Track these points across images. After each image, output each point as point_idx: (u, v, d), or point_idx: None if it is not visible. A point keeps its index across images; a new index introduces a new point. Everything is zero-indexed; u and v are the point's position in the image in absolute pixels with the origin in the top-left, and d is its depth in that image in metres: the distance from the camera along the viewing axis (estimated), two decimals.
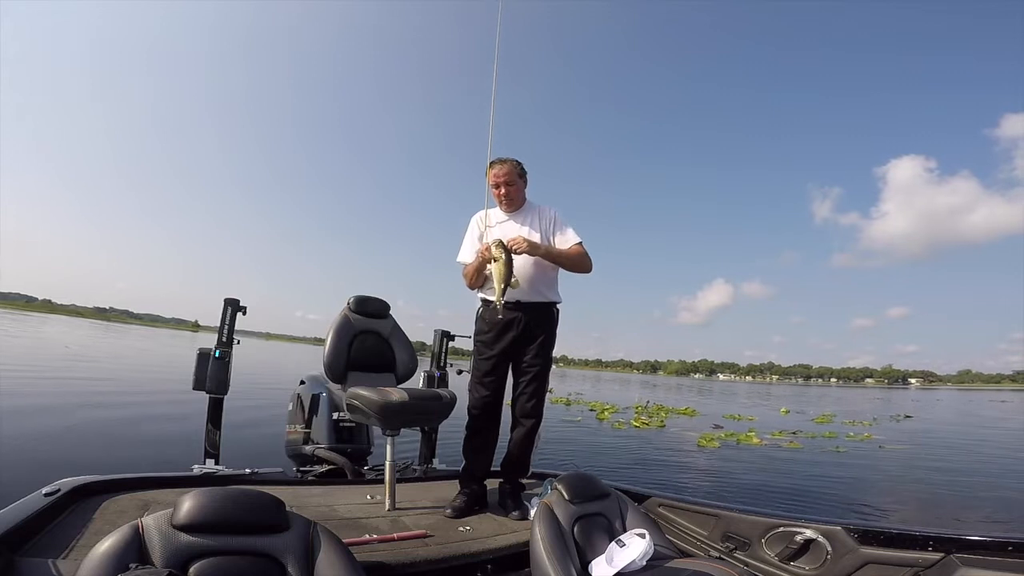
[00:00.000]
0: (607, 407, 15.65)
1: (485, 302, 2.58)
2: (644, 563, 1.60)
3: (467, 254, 2.58)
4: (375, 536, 1.92)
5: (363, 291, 2.87)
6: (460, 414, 2.58)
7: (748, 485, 6.47)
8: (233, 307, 2.80)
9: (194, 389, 2.68)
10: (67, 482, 1.88)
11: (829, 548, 1.85)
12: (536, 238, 2.48)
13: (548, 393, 2.66)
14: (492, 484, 2.63)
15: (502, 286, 2.27)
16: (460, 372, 2.74)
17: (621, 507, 1.93)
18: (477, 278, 2.53)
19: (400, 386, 2.65)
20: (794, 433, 12.03)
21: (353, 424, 3.15)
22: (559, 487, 1.87)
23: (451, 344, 3.56)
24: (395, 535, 1.95)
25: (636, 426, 11.88)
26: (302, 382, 3.43)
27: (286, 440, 3.37)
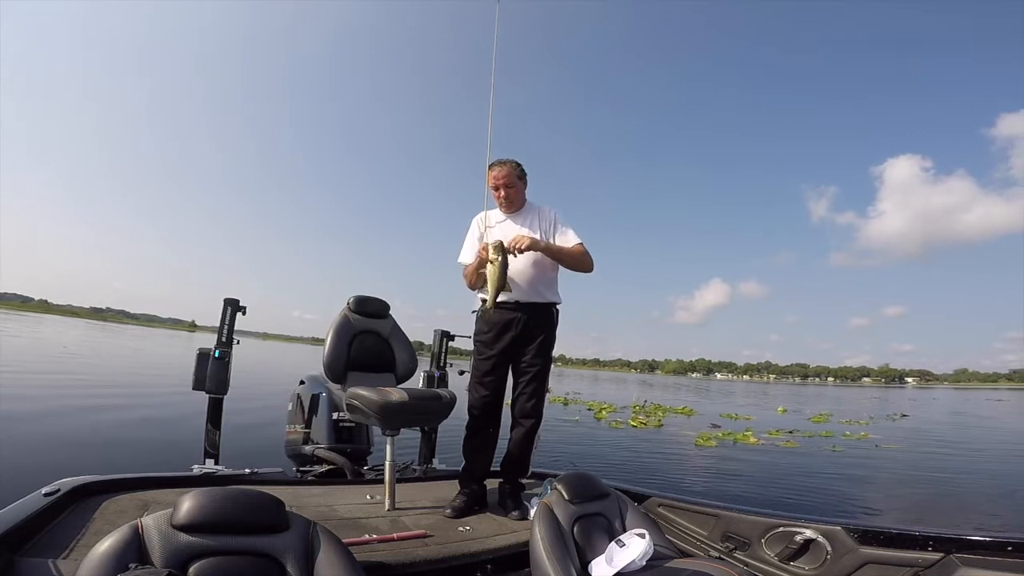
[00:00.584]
0: (605, 406, 15.67)
1: (485, 302, 2.58)
2: (644, 563, 1.60)
3: (468, 255, 2.59)
4: (375, 536, 1.92)
5: (360, 291, 2.87)
6: (460, 414, 2.58)
7: (745, 484, 6.49)
8: (233, 307, 2.79)
9: (194, 389, 2.67)
10: (67, 482, 1.88)
11: (829, 548, 1.85)
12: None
13: (546, 393, 2.66)
14: (492, 484, 2.63)
15: (495, 289, 2.29)
16: (462, 372, 2.74)
17: (621, 507, 1.93)
18: (477, 279, 2.53)
19: (400, 386, 2.65)
20: (791, 432, 12.07)
21: (353, 424, 3.14)
22: (559, 487, 1.87)
23: (450, 344, 3.56)
24: (395, 535, 1.95)
25: (634, 425, 11.90)
26: (302, 382, 3.43)
27: (286, 440, 3.37)
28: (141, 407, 7.97)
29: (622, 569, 1.58)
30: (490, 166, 2.57)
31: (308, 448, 3.13)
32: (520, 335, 2.49)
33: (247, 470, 2.61)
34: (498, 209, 2.62)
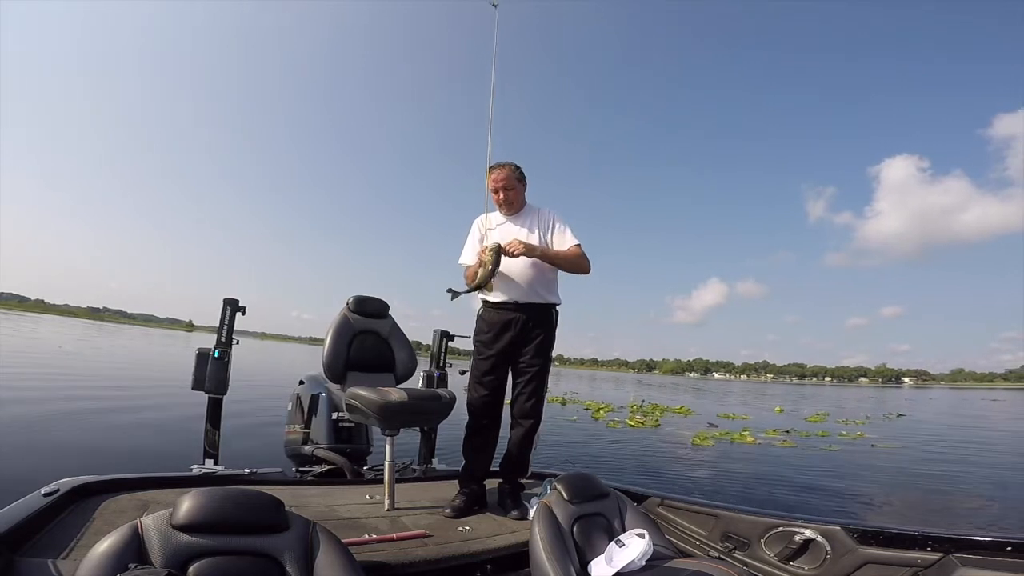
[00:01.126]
0: (602, 406, 15.69)
1: (485, 303, 2.60)
2: (643, 563, 1.60)
3: (468, 256, 2.61)
4: (374, 536, 1.91)
5: (357, 291, 2.88)
6: (459, 414, 2.58)
7: (743, 484, 6.51)
8: (232, 307, 2.79)
9: (193, 389, 2.67)
10: (66, 482, 1.87)
11: (828, 548, 1.85)
12: (534, 240, 2.51)
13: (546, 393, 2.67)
14: (491, 484, 2.63)
15: (480, 281, 2.40)
16: (463, 372, 2.75)
17: (620, 507, 1.93)
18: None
19: (399, 386, 2.65)
20: (787, 432, 12.09)
21: (352, 424, 3.14)
22: (558, 487, 1.87)
23: (449, 344, 3.56)
24: (394, 535, 1.95)
25: (631, 425, 11.90)
26: (301, 382, 3.42)
27: (285, 440, 3.36)
28: (140, 407, 7.94)
29: (622, 569, 1.58)
30: (490, 169, 2.59)
31: (308, 448, 3.12)
32: (519, 335, 2.50)
33: (246, 470, 2.60)
34: (497, 211, 2.64)
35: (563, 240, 2.54)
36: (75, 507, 1.80)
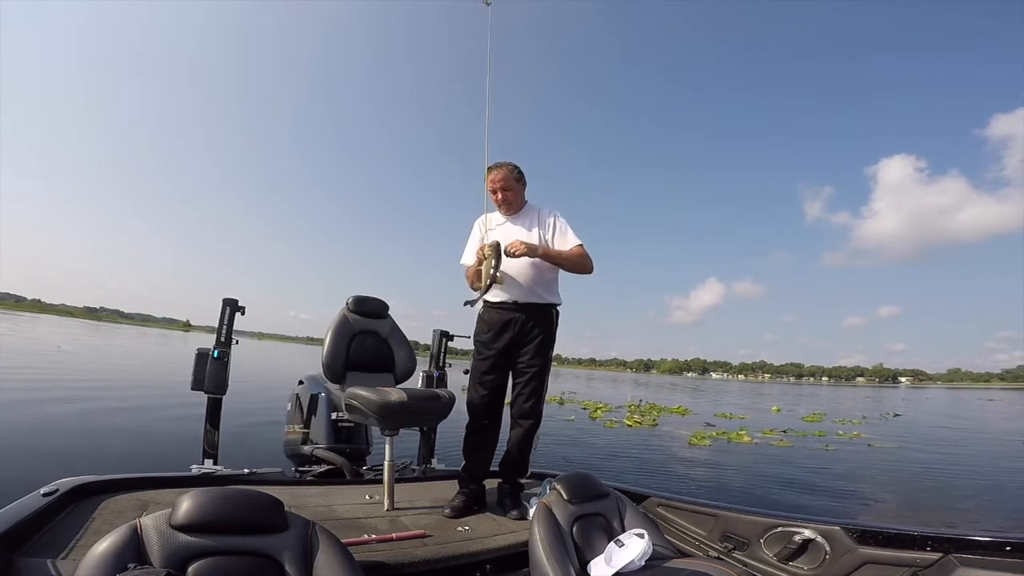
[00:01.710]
0: (600, 406, 15.68)
1: (485, 303, 2.59)
2: (643, 563, 1.61)
3: (469, 256, 2.60)
4: (374, 536, 1.91)
5: (356, 291, 2.88)
6: (459, 414, 2.58)
7: (741, 483, 6.52)
8: (232, 307, 2.79)
9: (192, 389, 2.67)
10: (65, 482, 1.87)
11: (827, 548, 1.86)
12: (534, 240, 2.50)
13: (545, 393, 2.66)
14: (491, 484, 2.63)
15: (484, 284, 2.37)
16: (466, 371, 2.75)
17: (620, 507, 1.94)
18: (477, 279, 2.54)
19: (399, 386, 2.65)
20: (784, 431, 12.12)
21: (352, 424, 3.14)
22: (558, 487, 1.87)
23: (448, 344, 3.56)
24: (394, 535, 1.95)
25: (629, 425, 11.91)
26: (301, 382, 3.42)
27: (285, 440, 3.36)
28: (139, 407, 7.92)
29: (621, 569, 1.58)
30: (488, 169, 2.58)
31: (307, 448, 3.12)
32: (518, 335, 2.50)
33: (246, 470, 2.60)
34: (498, 212, 2.64)
35: (565, 240, 2.54)
36: (74, 507, 1.80)
